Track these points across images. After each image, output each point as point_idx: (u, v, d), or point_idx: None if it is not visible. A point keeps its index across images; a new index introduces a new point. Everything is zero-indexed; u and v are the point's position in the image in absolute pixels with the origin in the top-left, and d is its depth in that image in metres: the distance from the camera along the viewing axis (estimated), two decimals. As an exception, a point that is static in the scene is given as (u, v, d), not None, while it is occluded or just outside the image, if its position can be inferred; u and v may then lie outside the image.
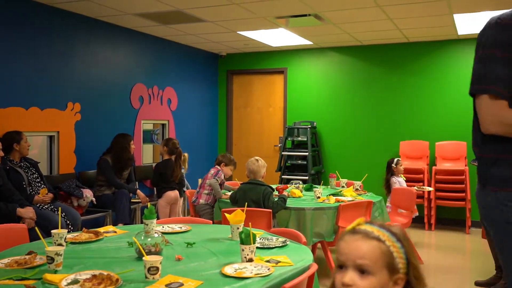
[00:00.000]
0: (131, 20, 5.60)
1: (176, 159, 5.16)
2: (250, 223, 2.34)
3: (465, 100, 6.52)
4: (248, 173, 3.96)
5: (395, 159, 5.53)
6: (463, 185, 6.12)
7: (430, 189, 5.42)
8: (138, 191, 5.25)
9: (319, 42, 6.97)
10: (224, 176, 4.66)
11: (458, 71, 6.61)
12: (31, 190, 4.21)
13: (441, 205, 6.34)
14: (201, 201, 4.50)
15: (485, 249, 5.15)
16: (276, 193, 4.28)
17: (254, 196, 3.78)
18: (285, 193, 4.28)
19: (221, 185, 4.58)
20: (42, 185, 4.32)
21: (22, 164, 4.26)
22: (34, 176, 4.29)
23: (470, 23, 5.62)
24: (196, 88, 7.52)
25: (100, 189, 5.11)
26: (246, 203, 3.16)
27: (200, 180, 4.73)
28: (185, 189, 5.74)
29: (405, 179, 5.66)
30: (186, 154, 5.37)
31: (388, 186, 5.52)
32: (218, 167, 4.63)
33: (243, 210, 2.67)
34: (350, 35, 6.42)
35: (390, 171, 5.53)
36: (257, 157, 3.99)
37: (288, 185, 4.77)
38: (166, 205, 5.18)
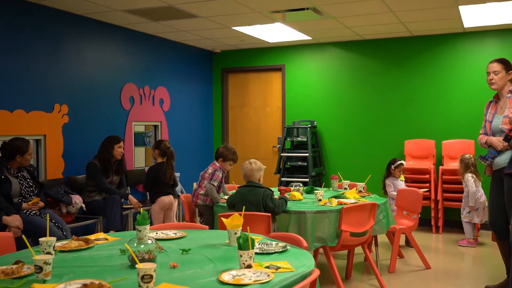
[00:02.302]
0: (120, 16, 5.60)
1: (167, 160, 5.16)
2: (248, 228, 2.32)
3: (472, 96, 6.56)
4: (243, 176, 3.97)
5: (397, 162, 5.56)
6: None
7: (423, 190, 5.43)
8: (130, 196, 5.25)
9: (318, 37, 6.99)
10: (223, 173, 4.55)
11: (464, 66, 6.64)
12: (24, 200, 4.20)
13: (449, 206, 6.35)
14: (199, 201, 4.47)
15: (495, 252, 5.16)
16: (277, 194, 4.27)
17: (252, 199, 3.78)
18: (286, 195, 4.28)
19: (220, 184, 4.51)
20: (35, 196, 4.30)
21: (19, 174, 4.26)
22: (30, 189, 4.28)
23: (476, 16, 5.64)
24: (190, 87, 7.53)
25: (90, 195, 5.11)
26: (244, 206, 3.13)
27: (195, 184, 4.66)
28: (179, 193, 5.73)
29: (404, 180, 5.70)
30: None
31: (384, 188, 5.58)
32: (217, 164, 4.53)
33: (240, 214, 2.66)
34: (350, 30, 6.44)
35: (387, 173, 5.56)
36: (252, 160, 3.98)
37: (290, 188, 4.75)
38: (160, 210, 5.20)
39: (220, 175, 4.51)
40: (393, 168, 5.56)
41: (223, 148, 4.61)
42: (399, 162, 5.58)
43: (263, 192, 3.82)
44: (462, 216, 5.74)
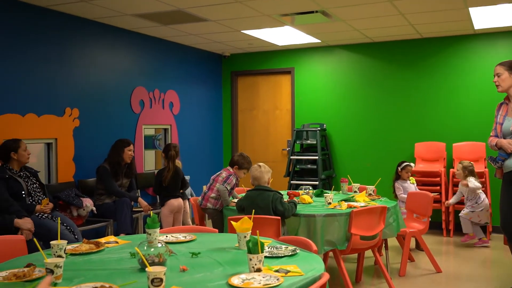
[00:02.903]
0: (130, 21, 5.64)
1: (168, 162, 5.19)
2: (257, 231, 2.31)
3: (483, 98, 6.51)
4: (252, 180, 3.98)
5: (403, 164, 5.54)
6: (483, 189, 6.05)
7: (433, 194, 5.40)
8: (140, 199, 5.27)
9: (327, 40, 6.99)
10: (237, 180, 4.58)
11: (475, 68, 6.60)
12: (31, 200, 4.24)
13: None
14: (209, 205, 4.47)
15: (507, 255, 5.12)
16: (286, 198, 4.27)
17: (261, 203, 3.79)
18: (294, 199, 4.27)
19: (232, 189, 4.53)
20: (42, 195, 4.34)
21: (22, 173, 4.29)
22: (35, 186, 4.32)
23: (486, 17, 5.61)
24: (199, 90, 7.55)
25: (100, 198, 5.14)
26: (254, 210, 3.13)
27: (205, 187, 4.67)
28: (189, 196, 5.70)
29: (414, 183, 5.67)
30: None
31: (394, 191, 5.56)
32: (231, 170, 4.55)
33: (250, 218, 2.66)
34: (359, 32, 6.43)
35: (396, 175, 5.56)
36: (260, 163, 4.01)
37: (300, 191, 4.73)
38: (169, 213, 5.22)
39: (234, 181, 4.53)
40: (399, 170, 5.54)
41: (239, 157, 4.63)
42: (406, 163, 5.55)
43: (273, 195, 3.82)
44: (461, 212, 5.77)
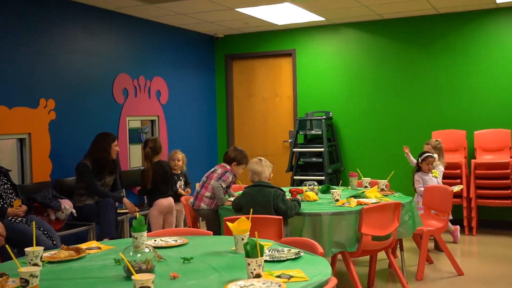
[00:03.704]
0: (112, 0, 5.59)
1: (146, 161, 5.22)
2: (256, 233, 2.31)
3: (507, 79, 6.50)
4: (251, 175, 3.99)
5: (424, 155, 5.53)
6: (508, 181, 6.08)
7: (458, 188, 5.35)
8: (125, 199, 5.23)
9: (332, 18, 6.95)
10: (234, 177, 4.59)
11: (498, 46, 6.57)
12: (2, 202, 4.24)
13: (483, 205, 6.31)
14: (202, 205, 4.47)
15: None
16: (288, 196, 4.27)
17: (262, 200, 3.79)
18: (298, 197, 4.26)
19: (228, 187, 4.54)
20: (15, 197, 4.33)
21: None
22: (6, 186, 4.31)
23: (510, -11, 5.57)
24: (190, 77, 7.50)
25: (81, 199, 5.13)
26: (252, 209, 3.14)
27: (198, 185, 4.69)
28: (183, 191, 5.65)
29: (438, 176, 5.62)
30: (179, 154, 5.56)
31: (414, 184, 5.56)
32: (227, 167, 4.57)
33: (248, 218, 2.67)
34: (368, 8, 6.40)
35: (417, 167, 5.56)
36: (260, 157, 4.04)
37: (303, 188, 4.71)
38: (159, 215, 5.20)
39: (231, 178, 4.54)
40: (420, 161, 5.53)
41: (235, 151, 4.65)
42: (427, 154, 5.53)
43: (274, 192, 3.82)
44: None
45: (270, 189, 3.85)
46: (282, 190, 3.87)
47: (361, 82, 7.26)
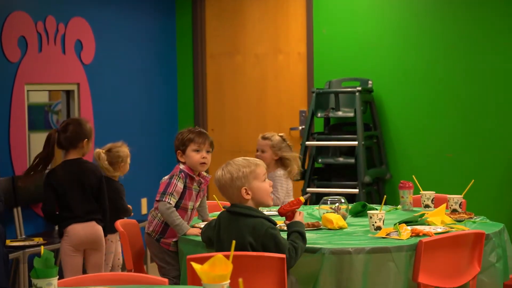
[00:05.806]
0: None
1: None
2: (240, 280, 1.85)
3: None
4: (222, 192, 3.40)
5: None
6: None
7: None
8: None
9: None
10: (196, 182, 3.81)
11: None
12: None
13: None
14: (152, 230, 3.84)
15: None
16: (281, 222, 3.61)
17: (237, 237, 3.05)
18: (298, 217, 3.46)
19: (181, 198, 3.73)
20: None
21: None
22: None
23: None
24: (132, 19, 6.27)
25: None
26: (234, 241, 2.32)
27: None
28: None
29: None
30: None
31: None
32: (180, 166, 3.89)
33: (227, 256, 2.15)
34: None
35: None
36: (244, 158, 3.38)
37: (302, 198, 3.84)
38: (74, 251, 4.31)
39: (180, 185, 3.73)
40: None
41: (180, 134, 3.97)
42: None
43: (256, 225, 3.18)
44: None
45: (250, 219, 3.16)
46: (271, 221, 3.20)
47: (419, 34, 5.94)
